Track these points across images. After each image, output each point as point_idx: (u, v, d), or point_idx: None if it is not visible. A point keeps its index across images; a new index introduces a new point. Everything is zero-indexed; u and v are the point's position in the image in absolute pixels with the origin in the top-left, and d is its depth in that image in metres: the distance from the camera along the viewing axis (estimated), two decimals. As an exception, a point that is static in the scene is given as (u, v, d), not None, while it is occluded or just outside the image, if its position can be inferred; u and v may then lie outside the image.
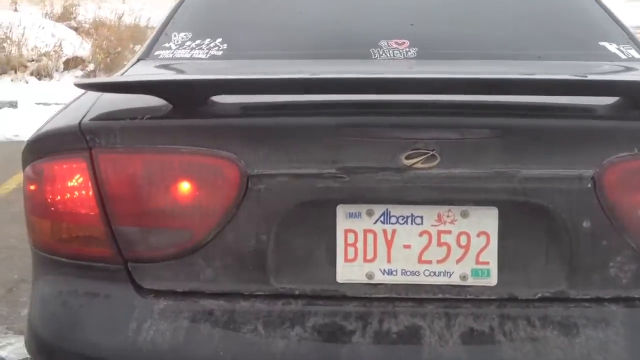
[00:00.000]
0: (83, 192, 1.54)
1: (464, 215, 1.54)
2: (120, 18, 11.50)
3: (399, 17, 2.20)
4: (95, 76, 8.55)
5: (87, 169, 1.52)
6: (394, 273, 1.55)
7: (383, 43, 2.05)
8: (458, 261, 1.55)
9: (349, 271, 1.55)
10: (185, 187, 1.52)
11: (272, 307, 1.53)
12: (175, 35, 2.16)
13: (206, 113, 1.53)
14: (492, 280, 1.55)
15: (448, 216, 1.54)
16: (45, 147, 1.56)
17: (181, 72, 2.02)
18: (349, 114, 1.50)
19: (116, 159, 1.52)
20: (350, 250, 1.55)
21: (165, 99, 1.52)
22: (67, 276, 1.59)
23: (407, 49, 2.02)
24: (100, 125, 1.53)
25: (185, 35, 2.15)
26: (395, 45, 2.03)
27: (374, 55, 2.01)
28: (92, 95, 1.69)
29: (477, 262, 1.55)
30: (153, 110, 1.52)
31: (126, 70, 2.01)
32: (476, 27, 2.17)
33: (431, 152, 1.46)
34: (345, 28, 2.16)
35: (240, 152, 1.48)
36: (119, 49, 10.27)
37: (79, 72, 9.62)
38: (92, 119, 1.54)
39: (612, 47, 2.14)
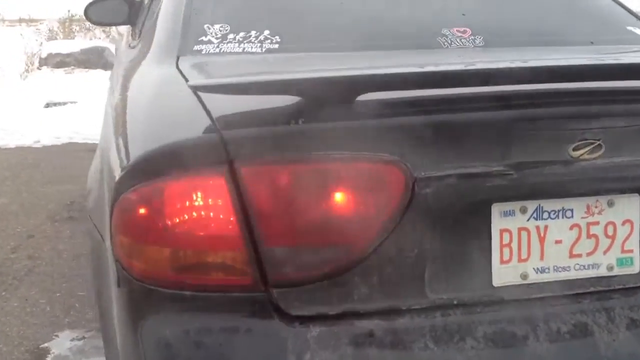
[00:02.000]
0: (221, 212, 1.31)
1: (610, 204, 1.51)
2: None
3: (444, 4, 2.13)
4: None
5: (227, 185, 1.30)
6: (547, 271, 1.49)
7: (446, 31, 1.96)
8: (605, 252, 1.52)
9: (505, 273, 1.46)
10: (345, 197, 1.35)
11: (432, 320, 1.41)
12: (209, 28, 1.94)
13: (363, 113, 1.37)
14: (635, 267, 1.53)
15: (596, 207, 1.50)
16: (169, 164, 1.32)
17: (272, 68, 1.81)
18: (519, 106, 1.40)
19: (265, 171, 1.32)
20: (506, 251, 1.46)
21: (309, 99, 1.34)
22: (193, 312, 1.36)
23: (473, 37, 1.95)
24: (246, 134, 1.32)
25: (222, 27, 1.93)
26: (458, 34, 1.95)
27: (444, 45, 1.93)
28: (189, 98, 1.46)
29: (622, 251, 1.52)
30: (294, 113, 1.34)
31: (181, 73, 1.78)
32: (525, 14, 2.15)
33: (597, 142, 1.41)
34: (395, 17, 2.05)
35: (406, 153, 1.34)
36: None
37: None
38: (233, 127, 1.32)
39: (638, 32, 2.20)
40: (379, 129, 1.34)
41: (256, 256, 1.33)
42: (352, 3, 2.08)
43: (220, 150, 1.29)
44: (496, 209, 1.44)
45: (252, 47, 1.87)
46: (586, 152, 1.41)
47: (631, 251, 1.53)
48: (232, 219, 1.31)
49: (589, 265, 1.51)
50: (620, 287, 1.53)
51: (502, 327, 1.42)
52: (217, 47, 1.88)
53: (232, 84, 1.34)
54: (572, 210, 1.49)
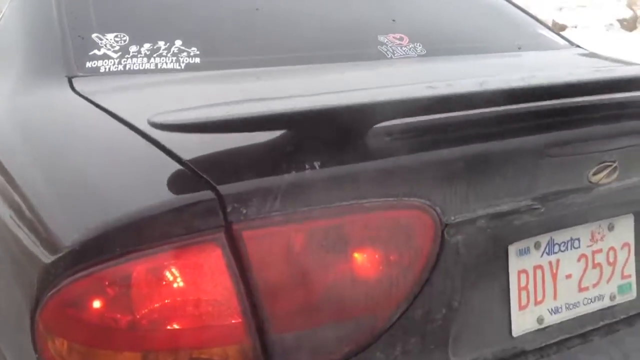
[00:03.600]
0: (218, 293, 0.98)
1: (611, 228, 1.38)
2: None
3: (369, 9, 1.89)
4: None
5: (225, 257, 0.97)
6: (560, 310, 1.33)
7: (383, 39, 1.73)
8: (608, 280, 1.39)
9: (523, 320, 1.28)
10: (371, 255, 1.07)
11: None
12: (100, 39, 1.53)
13: (381, 149, 1.09)
14: (633, 293, 1.43)
15: (599, 233, 1.37)
16: (137, 236, 0.95)
17: (220, 93, 1.44)
18: (546, 129, 1.21)
19: (272, 234, 1.00)
20: (523, 294, 1.28)
21: (312, 135, 1.05)
22: None
23: (412, 45, 1.74)
24: (247, 187, 0.98)
25: (118, 37, 1.54)
26: (396, 41, 1.73)
27: (387, 54, 1.69)
28: (148, 141, 1.10)
29: (622, 277, 1.41)
30: (302, 155, 1.03)
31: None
32: (452, 22, 1.98)
33: (614, 164, 1.27)
34: (322, 23, 1.77)
35: (435, 195, 1.10)
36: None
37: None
38: (233, 179, 0.98)
39: (550, 34, 2.15)
40: (401, 168, 1.08)
41: (261, 347, 1.01)
42: (270, 6, 1.77)
43: (215, 211, 0.96)
44: (513, 249, 1.25)
45: (167, 63, 1.51)
46: (604, 175, 1.26)
47: (629, 276, 1.42)
48: (231, 301, 0.98)
49: (595, 298, 1.38)
50: (624, 316, 1.41)
51: None
52: (120, 63, 1.49)
53: (214, 121, 0.99)
54: (579, 240, 1.34)
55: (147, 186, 0.99)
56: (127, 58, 1.49)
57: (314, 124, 1.03)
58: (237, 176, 0.97)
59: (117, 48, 1.50)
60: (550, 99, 1.22)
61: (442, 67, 1.71)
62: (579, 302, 1.35)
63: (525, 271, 1.27)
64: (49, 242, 0.99)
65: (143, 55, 1.50)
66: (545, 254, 1.29)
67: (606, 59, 2.11)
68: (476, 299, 1.21)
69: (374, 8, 1.90)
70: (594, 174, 1.24)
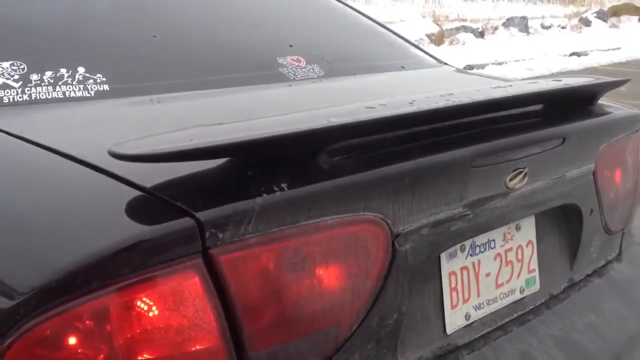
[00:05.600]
0: (196, 319, 0.98)
1: (518, 228, 1.53)
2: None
3: (264, 35, 1.93)
4: None
5: (203, 283, 0.97)
6: (482, 306, 1.45)
7: (282, 60, 1.78)
8: (518, 275, 1.53)
9: (454, 318, 1.38)
10: (334, 269, 1.11)
11: None
12: None
13: (336, 168, 1.13)
14: (537, 285, 1.58)
15: (509, 233, 1.51)
16: (113, 268, 0.92)
17: (143, 120, 1.40)
18: (474, 141, 1.31)
19: (248, 256, 1.01)
20: (454, 295, 1.38)
21: (269, 158, 1.07)
22: None
23: (311, 67, 1.80)
24: (230, 211, 0.98)
25: (15, 65, 1.47)
26: (295, 63, 1.79)
27: (290, 76, 1.74)
28: (109, 172, 1.07)
29: (529, 272, 1.56)
30: (265, 179, 1.06)
31: None
32: (341, 45, 2.05)
33: (525, 170, 1.40)
34: (220, 47, 1.79)
35: (385, 209, 1.16)
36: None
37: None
38: (208, 205, 0.98)
39: (422, 54, 2.30)
40: (355, 185, 1.13)
41: None
42: (166, 33, 1.75)
43: (194, 237, 0.96)
44: (444, 253, 1.34)
45: (75, 91, 1.45)
46: (517, 181, 1.39)
47: (534, 270, 1.57)
48: (211, 325, 0.99)
49: (508, 292, 1.51)
50: (532, 306, 1.56)
51: None
52: (24, 92, 1.42)
53: (180, 151, 0.99)
54: (494, 241, 1.47)
55: (117, 218, 0.97)
56: (30, 87, 1.43)
57: (276, 148, 1.06)
58: (212, 202, 0.98)
59: (16, 77, 1.44)
60: (472, 115, 1.33)
61: (348, 85, 1.79)
62: (496, 298, 1.47)
63: (454, 273, 1.37)
64: (15, 283, 0.94)
65: (47, 84, 1.44)
66: (469, 256, 1.40)
67: (475, 74, 2.30)
68: (418, 302, 1.29)
69: (269, 33, 1.94)
70: (510, 179, 1.37)
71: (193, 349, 0.98)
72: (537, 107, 1.53)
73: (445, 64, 2.27)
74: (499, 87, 1.52)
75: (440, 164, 1.24)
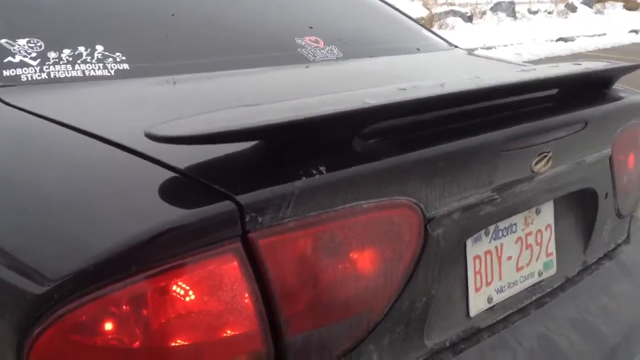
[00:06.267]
0: (235, 303, 0.97)
1: (538, 212, 1.53)
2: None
3: (283, 15, 1.91)
4: None
5: (243, 266, 0.97)
6: (504, 289, 1.46)
7: (300, 41, 1.77)
8: (537, 259, 1.54)
9: (478, 301, 1.39)
10: (369, 253, 1.11)
11: None
12: (12, 45, 1.43)
13: (369, 151, 1.13)
14: (554, 269, 1.59)
15: (530, 217, 1.52)
16: (151, 252, 0.91)
17: (169, 99, 1.38)
18: (504, 124, 1.31)
19: (288, 239, 1.00)
20: (478, 278, 1.39)
21: (305, 141, 1.07)
22: None
23: (329, 48, 1.79)
24: (269, 195, 0.98)
25: (32, 43, 1.44)
26: (313, 44, 1.78)
27: (310, 58, 1.73)
28: (143, 155, 1.06)
29: (547, 255, 1.57)
30: (302, 162, 1.05)
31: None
32: (358, 28, 2.05)
33: (549, 154, 1.41)
34: (237, 27, 1.77)
35: (418, 193, 1.16)
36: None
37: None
38: (248, 189, 0.97)
39: (434, 37, 2.29)
40: (391, 169, 1.13)
41: (275, 353, 1.02)
42: (185, 12, 1.73)
43: (235, 221, 0.95)
44: (470, 237, 1.35)
45: (95, 70, 1.44)
46: (542, 165, 1.39)
47: (552, 254, 1.58)
48: (249, 310, 0.98)
49: (528, 275, 1.52)
50: (549, 289, 1.57)
51: (490, 358, 1.34)
52: (42, 70, 1.40)
53: (217, 133, 0.98)
54: (516, 225, 1.48)
55: (155, 201, 0.96)
56: (49, 65, 1.40)
57: (314, 130, 1.05)
58: (251, 185, 0.97)
59: (34, 55, 1.41)
60: (502, 97, 1.33)
61: (368, 67, 1.79)
62: (517, 281, 1.48)
63: (479, 257, 1.38)
64: (44, 266, 0.93)
65: (65, 62, 1.42)
66: (492, 240, 1.41)
67: (484, 57, 2.31)
68: (445, 286, 1.29)
69: (288, 14, 1.93)
70: (536, 163, 1.37)
71: (230, 333, 0.98)
72: (556, 91, 1.53)
73: (456, 46, 2.27)
74: (524, 70, 1.52)
75: (473, 147, 1.24)
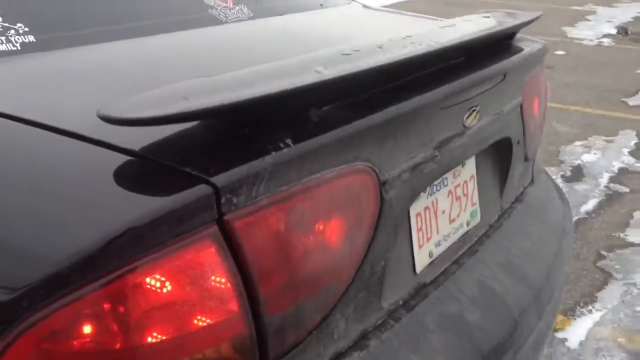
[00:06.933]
0: (215, 289, 0.93)
1: (463, 165, 1.58)
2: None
3: None
4: None
5: (221, 249, 0.92)
6: (441, 243, 1.50)
7: (209, 2, 1.68)
8: (465, 209, 1.59)
9: (421, 258, 1.42)
10: (336, 222, 1.09)
11: (392, 331, 1.28)
12: None
13: (330, 120, 1.09)
14: (478, 217, 1.66)
15: (457, 170, 1.55)
16: (125, 248, 0.84)
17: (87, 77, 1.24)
18: (440, 83, 1.31)
19: (262, 218, 0.96)
20: (420, 235, 1.41)
21: (265, 115, 1.02)
22: None
23: (239, 7, 1.71)
24: (244, 174, 0.92)
25: None
26: (222, 4, 1.69)
27: (222, 19, 1.64)
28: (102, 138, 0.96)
29: (472, 205, 1.63)
30: (262, 135, 1.00)
31: None
32: None
33: (477, 108, 1.44)
34: None
35: (373, 157, 1.15)
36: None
37: None
38: (222, 167, 0.91)
39: None
40: (347, 134, 1.11)
41: (257, 333, 0.99)
42: None
43: (211, 204, 0.90)
44: (416, 196, 1.36)
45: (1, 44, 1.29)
46: (472, 119, 1.43)
47: (475, 203, 1.64)
48: (230, 293, 0.94)
49: (458, 227, 1.57)
50: (476, 238, 1.63)
51: (439, 310, 1.38)
52: None
53: (180, 113, 0.90)
54: (447, 179, 1.51)
55: (124, 192, 0.89)
56: None
57: (277, 105, 1.00)
58: (223, 165, 0.92)
59: None
60: (440, 57, 1.34)
61: (284, 26, 1.74)
62: (450, 233, 1.52)
63: (419, 214, 1.40)
64: (11, 273, 0.84)
65: None
66: (429, 196, 1.43)
67: (384, 10, 2.32)
68: (397, 247, 1.30)
69: None
70: (467, 117, 1.40)
71: (212, 320, 0.93)
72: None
73: (353, 0, 2.26)
74: (446, 26, 1.53)
75: (417, 106, 1.24)
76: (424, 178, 1.32)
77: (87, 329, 0.84)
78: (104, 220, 0.85)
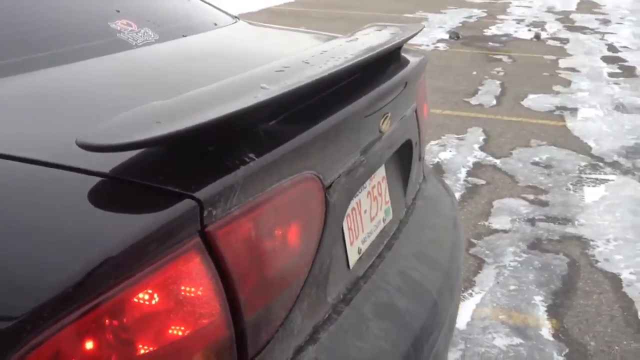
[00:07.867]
0: (202, 293, 0.99)
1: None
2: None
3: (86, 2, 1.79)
4: None
5: (205, 260, 0.98)
6: (366, 239, 1.62)
7: (115, 26, 1.69)
8: (381, 208, 1.73)
9: (352, 254, 1.53)
10: (293, 227, 1.18)
11: (336, 324, 1.38)
12: None
13: (279, 133, 1.18)
14: (391, 214, 1.80)
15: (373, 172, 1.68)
16: (119, 268, 0.88)
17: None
18: (362, 92, 1.43)
19: (237, 227, 1.03)
20: (351, 233, 1.52)
21: (229, 132, 1.09)
22: None
23: (144, 30, 1.73)
24: (222, 186, 0.99)
25: None
26: (128, 28, 1.71)
27: (133, 43, 1.65)
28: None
29: (385, 203, 1.76)
30: (226, 151, 1.07)
31: None
32: (157, 9, 1.98)
33: (389, 114, 1.58)
34: (50, 20, 1.62)
35: (317, 165, 1.25)
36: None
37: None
38: (201, 182, 0.97)
39: (220, 12, 2.32)
40: (297, 146, 1.20)
41: (236, 336, 1.05)
42: None
43: (195, 218, 0.96)
44: (352, 198, 1.47)
45: None
46: (386, 125, 1.56)
47: (388, 202, 1.78)
48: (213, 300, 1.01)
49: (377, 224, 1.70)
50: (392, 233, 1.77)
51: (373, 301, 1.50)
52: None
53: (158, 137, 0.95)
54: (366, 181, 1.63)
55: (112, 214, 0.92)
56: None
57: (239, 123, 1.08)
58: (201, 181, 0.99)
59: None
60: (362, 69, 1.46)
61: (194, 48, 1.78)
62: (372, 230, 1.65)
63: (349, 215, 1.51)
64: (9, 298, 0.85)
65: None
66: (355, 197, 1.55)
67: (266, 26, 2.41)
68: (336, 246, 1.41)
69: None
70: (382, 124, 1.53)
71: (199, 326, 0.99)
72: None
73: (238, 18, 2.33)
74: (352, 40, 1.66)
75: (349, 115, 1.35)
76: (355, 181, 1.44)
77: (89, 346, 0.87)
78: (97, 244, 0.88)
